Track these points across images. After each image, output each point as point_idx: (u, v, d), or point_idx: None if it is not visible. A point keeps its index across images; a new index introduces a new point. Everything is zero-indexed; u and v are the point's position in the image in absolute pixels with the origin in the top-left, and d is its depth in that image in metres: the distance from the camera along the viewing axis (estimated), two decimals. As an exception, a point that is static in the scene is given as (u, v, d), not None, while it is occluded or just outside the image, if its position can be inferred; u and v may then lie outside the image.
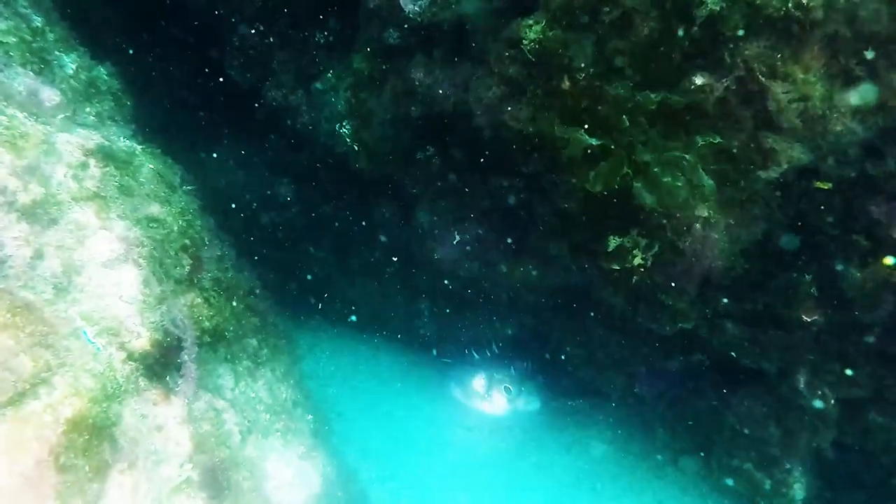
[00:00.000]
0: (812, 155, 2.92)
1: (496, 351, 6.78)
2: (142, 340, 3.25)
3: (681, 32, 2.80)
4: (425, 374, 7.69)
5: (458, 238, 5.53)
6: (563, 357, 6.45)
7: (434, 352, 7.26)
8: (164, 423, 3.49)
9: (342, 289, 7.19)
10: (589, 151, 3.11)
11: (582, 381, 6.56)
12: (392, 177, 5.25)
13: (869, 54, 2.67)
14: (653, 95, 2.89)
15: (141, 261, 3.41)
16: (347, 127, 4.82)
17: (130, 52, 5.17)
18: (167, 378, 3.61)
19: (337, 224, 6.61)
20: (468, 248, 5.54)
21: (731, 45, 2.71)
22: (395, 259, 6.59)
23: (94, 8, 5.04)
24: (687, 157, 3.07)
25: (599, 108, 3.02)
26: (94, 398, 2.71)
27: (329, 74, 4.87)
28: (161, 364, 3.51)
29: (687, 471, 6.24)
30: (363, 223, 6.51)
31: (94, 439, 2.63)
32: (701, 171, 3.04)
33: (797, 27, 2.61)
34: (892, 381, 3.95)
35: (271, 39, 4.88)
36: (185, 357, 3.73)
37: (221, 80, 5.30)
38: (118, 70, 4.53)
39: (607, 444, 7.12)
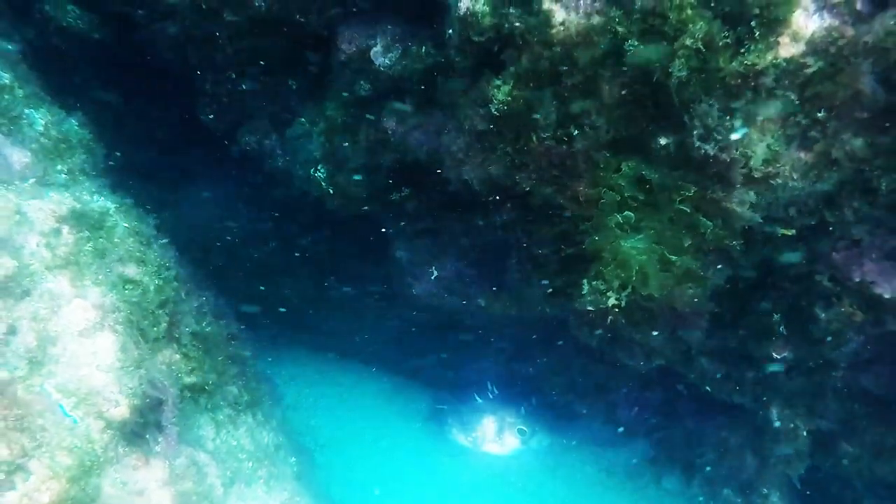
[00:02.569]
0: (763, 212, 3.03)
1: (492, 389, 6.81)
2: (120, 408, 3.24)
3: (643, 95, 2.89)
4: (409, 403, 7.72)
5: (436, 274, 5.57)
6: (546, 386, 6.52)
7: (433, 399, 7.28)
8: (146, 486, 3.49)
9: (323, 321, 7.20)
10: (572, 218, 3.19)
11: (564, 407, 6.62)
12: (368, 216, 5.30)
13: (821, 115, 2.78)
14: (625, 166, 2.97)
15: (117, 326, 3.41)
16: (322, 171, 4.85)
17: (103, 101, 5.16)
18: (148, 439, 3.61)
19: (315, 259, 6.62)
20: (447, 283, 5.59)
21: (692, 108, 2.80)
22: (374, 293, 6.62)
23: (64, 59, 5.03)
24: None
25: (570, 170, 3.09)
26: (72, 477, 2.70)
27: (302, 119, 4.90)
28: (141, 427, 3.51)
29: (671, 490, 6.33)
30: (342, 258, 6.53)
31: (73, 520, 2.62)
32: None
33: (751, 93, 2.71)
34: (860, 413, 4.07)
35: (244, 87, 4.90)
36: (166, 417, 3.73)
37: (195, 125, 5.30)
38: (90, 119, 4.52)
39: (591, 467, 7.18)
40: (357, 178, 4.70)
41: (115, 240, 3.79)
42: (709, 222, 2.97)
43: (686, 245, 3.03)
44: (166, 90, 5.36)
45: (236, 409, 4.78)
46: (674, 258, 3.02)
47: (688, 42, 2.59)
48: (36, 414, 2.72)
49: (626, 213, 3.02)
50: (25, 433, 2.57)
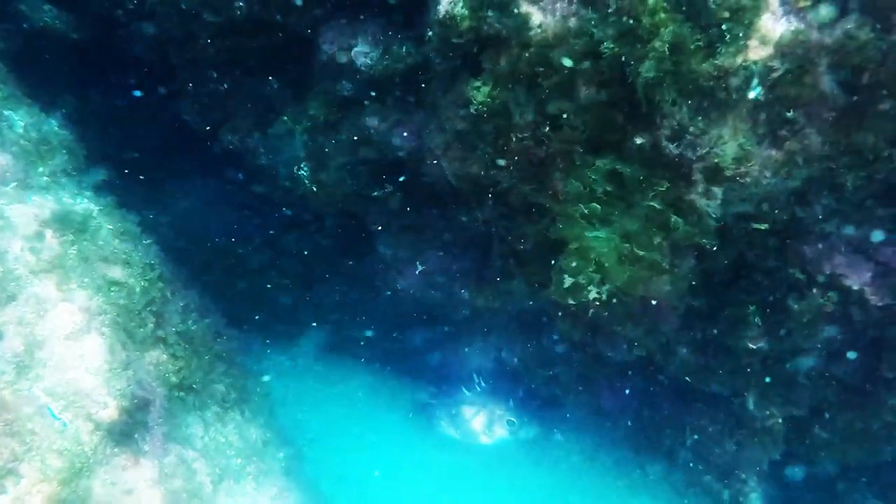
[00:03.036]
0: (736, 208, 3.12)
1: (479, 381, 6.89)
2: (109, 410, 3.28)
3: (619, 96, 2.96)
4: (395, 396, 7.78)
5: (420, 268, 5.64)
6: (527, 376, 6.61)
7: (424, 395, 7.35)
8: (135, 486, 3.53)
9: (308, 317, 7.24)
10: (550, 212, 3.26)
11: (549, 398, 6.73)
12: (352, 212, 5.34)
13: (790, 115, 2.87)
14: (600, 163, 3.04)
15: (104, 329, 3.44)
16: (305, 169, 4.88)
17: (83, 101, 5.14)
18: (136, 439, 3.65)
19: (300, 255, 6.66)
20: (431, 278, 5.66)
21: (665, 109, 2.87)
22: (359, 288, 6.67)
23: (43, 59, 5.00)
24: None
25: (548, 169, 3.16)
26: (63, 479, 2.75)
27: (285, 118, 4.92)
28: (129, 428, 3.55)
29: (655, 479, 6.46)
30: (327, 254, 6.58)
31: (64, 522, 2.67)
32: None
33: (723, 94, 2.79)
34: (831, 400, 4.21)
35: (226, 86, 4.91)
36: (153, 417, 3.77)
37: (177, 125, 5.30)
38: (70, 120, 4.51)
39: (576, 457, 7.30)
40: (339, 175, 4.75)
41: (100, 242, 3.81)
42: (680, 219, 3.05)
43: (656, 242, 3.11)
44: (148, 90, 5.35)
45: (224, 407, 4.82)
46: (640, 252, 3.10)
47: (659, 45, 2.66)
48: (25, 418, 2.75)
49: (592, 205, 3.09)
50: (15, 437, 2.61)
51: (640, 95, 2.87)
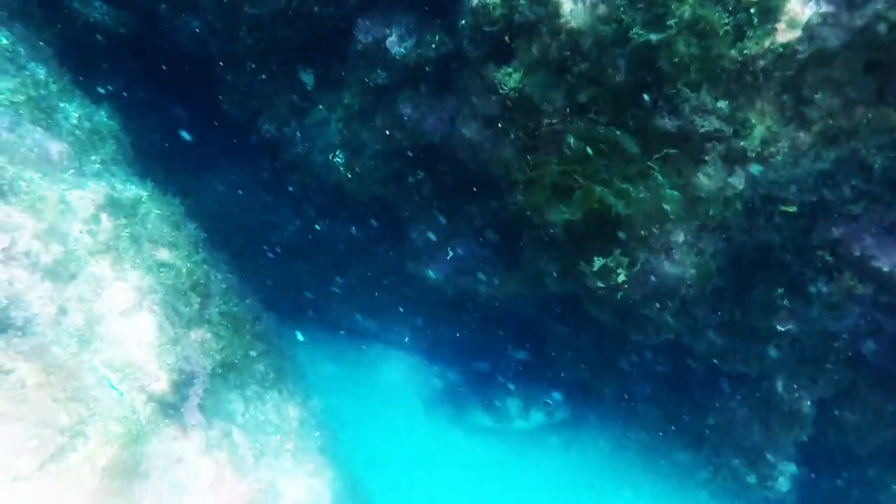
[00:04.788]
0: (764, 190, 3.17)
1: (512, 366, 6.97)
2: (160, 382, 3.49)
3: (646, 81, 3.04)
4: (424, 381, 7.94)
5: (451, 255, 5.76)
6: (557, 360, 6.70)
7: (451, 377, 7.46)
8: (184, 455, 3.75)
9: (341, 303, 7.42)
10: (557, 185, 3.35)
11: (577, 383, 6.81)
12: (385, 199, 5.49)
13: (818, 96, 2.92)
14: (616, 131, 3.13)
15: (154, 307, 3.65)
16: (340, 156, 5.03)
17: (129, 92, 5.37)
18: (183, 412, 3.86)
19: (334, 241, 6.82)
20: (462, 264, 5.77)
21: (693, 93, 2.95)
22: (391, 274, 6.81)
23: (93, 52, 5.23)
24: (653, 165, 3.25)
25: (570, 143, 3.25)
26: (124, 443, 2.95)
27: (321, 107, 5.08)
28: (178, 400, 3.77)
29: (682, 464, 6.51)
30: (360, 241, 6.73)
31: (125, 482, 2.87)
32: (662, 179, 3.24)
33: (750, 77, 2.85)
34: (860, 382, 4.23)
35: (263, 76, 5.08)
36: (199, 391, 3.98)
37: (217, 115, 5.50)
38: (117, 111, 4.73)
39: (604, 442, 7.37)
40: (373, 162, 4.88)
41: (149, 225, 4.02)
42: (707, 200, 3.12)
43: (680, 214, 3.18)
44: (189, 81, 5.55)
45: (263, 386, 5.02)
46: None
47: (688, 30, 2.73)
48: (89, 386, 2.96)
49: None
50: (82, 403, 2.81)
51: (667, 80, 2.95)
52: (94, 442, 2.74)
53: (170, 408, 3.68)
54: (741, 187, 3.20)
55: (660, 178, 3.21)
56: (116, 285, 3.52)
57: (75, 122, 4.33)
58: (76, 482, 2.60)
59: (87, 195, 3.70)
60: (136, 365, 3.43)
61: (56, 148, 4.07)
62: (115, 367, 3.29)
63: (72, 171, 3.91)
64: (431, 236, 5.66)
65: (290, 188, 6.21)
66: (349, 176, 5.07)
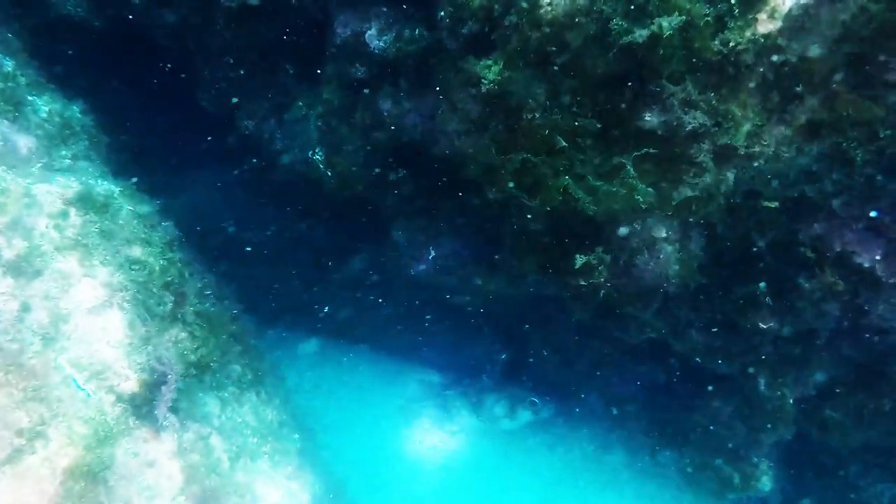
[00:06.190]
0: (746, 186, 3.14)
1: (494, 368, 6.93)
2: (130, 382, 3.39)
3: (628, 73, 3.00)
4: (409, 382, 7.85)
5: (433, 254, 5.69)
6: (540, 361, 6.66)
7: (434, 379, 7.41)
8: (156, 458, 3.64)
9: (322, 303, 7.32)
10: (525, 173, 3.31)
11: (561, 383, 6.77)
12: (367, 197, 5.40)
13: (799, 89, 2.89)
14: (597, 123, 3.08)
15: (125, 304, 3.54)
16: (320, 153, 4.95)
17: (103, 87, 5.25)
18: (156, 414, 3.75)
19: (314, 240, 6.73)
20: (444, 263, 5.70)
21: (675, 85, 2.90)
22: (373, 274, 6.73)
23: (64, 45, 5.11)
24: (625, 162, 3.20)
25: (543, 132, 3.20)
26: (88, 445, 2.85)
27: (300, 103, 5.00)
28: (149, 402, 3.66)
29: (665, 464, 6.49)
30: (340, 239, 6.65)
31: (89, 485, 2.77)
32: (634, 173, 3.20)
33: (732, 69, 2.81)
34: (842, 380, 4.21)
35: (242, 71, 4.99)
36: (172, 393, 3.87)
37: (194, 111, 5.39)
38: (91, 106, 4.62)
39: (588, 442, 7.34)
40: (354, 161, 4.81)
41: (121, 222, 3.92)
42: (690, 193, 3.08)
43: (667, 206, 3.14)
44: (166, 76, 5.45)
45: (240, 387, 4.92)
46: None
47: (668, 20, 2.69)
48: (52, 386, 2.86)
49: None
50: (43, 403, 2.71)
51: (649, 72, 2.90)
52: (55, 443, 2.63)
53: (141, 409, 3.57)
54: (724, 185, 3.17)
55: (632, 171, 3.16)
56: (84, 282, 3.41)
57: (45, 115, 4.22)
58: (34, 485, 2.49)
59: (55, 190, 3.59)
60: (104, 364, 3.32)
61: (24, 142, 3.95)
62: (81, 367, 3.18)
63: (39, 164, 3.80)
64: (413, 235, 5.59)
65: (270, 186, 6.11)
66: (329, 173, 4.99)
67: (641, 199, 3.18)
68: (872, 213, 3.25)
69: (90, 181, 4.03)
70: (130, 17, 4.81)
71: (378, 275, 6.62)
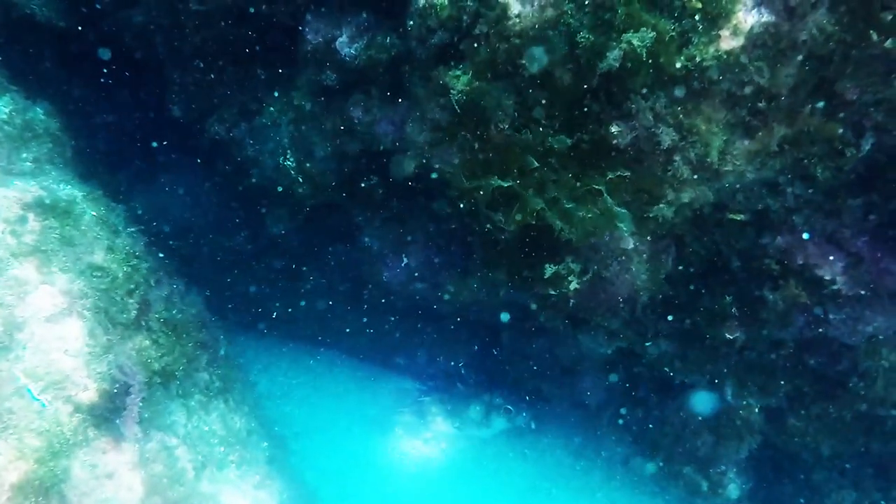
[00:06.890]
0: (712, 193, 3.17)
1: (467, 374, 6.93)
2: (89, 392, 3.31)
3: (595, 87, 3.01)
4: (382, 389, 7.81)
5: (405, 261, 5.67)
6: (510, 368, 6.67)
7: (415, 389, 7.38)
8: (115, 469, 3.56)
9: (295, 309, 7.25)
10: (499, 194, 3.31)
11: (534, 390, 6.78)
12: (338, 203, 5.37)
13: (762, 105, 2.93)
14: (567, 140, 3.09)
15: (85, 312, 3.46)
16: (291, 159, 4.90)
17: (70, 90, 5.15)
18: (117, 423, 3.67)
19: (286, 247, 6.67)
20: (416, 270, 5.69)
21: (641, 99, 2.92)
22: (345, 281, 6.69)
23: (28, 47, 5.00)
24: (600, 187, 3.22)
25: (515, 151, 3.20)
26: (41, 458, 2.77)
27: (271, 109, 4.94)
28: (110, 412, 3.58)
29: (636, 472, 6.53)
30: (312, 246, 6.59)
31: (41, 499, 2.69)
32: (611, 201, 3.21)
33: (697, 84, 2.84)
34: (806, 390, 4.28)
35: (212, 76, 4.92)
36: (135, 402, 3.79)
37: (164, 115, 5.31)
38: (57, 109, 4.52)
39: (560, 450, 7.36)
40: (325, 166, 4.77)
41: (83, 228, 3.83)
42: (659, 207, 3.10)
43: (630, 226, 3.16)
44: (135, 80, 5.36)
45: (208, 395, 4.84)
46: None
47: (634, 35, 2.71)
48: (3, 397, 2.77)
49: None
50: (-7, 415, 2.63)
51: (615, 86, 2.92)
52: (3, 458, 2.56)
53: (100, 419, 3.49)
54: (699, 202, 3.20)
55: (609, 199, 3.18)
56: (42, 289, 3.33)
57: (5, 117, 4.12)
58: (-19, 501, 2.42)
59: (13, 194, 3.50)
60: (62, 373, 3.24)
61: (-20, 144, 3.86)
62: (37, 376, 3.10)
63: (-2, 168, 3.71)
64: (385, 242, 5.56)
65: (241, 191, 6.04)
66: (300, 179, 4.95)
67: (625, 227, 3.20)
68: (805, 236, 3.32)
69: (52, 185, 3.95)
70: (95, 16, 4.72)
71: (351, 281, 6.57)
